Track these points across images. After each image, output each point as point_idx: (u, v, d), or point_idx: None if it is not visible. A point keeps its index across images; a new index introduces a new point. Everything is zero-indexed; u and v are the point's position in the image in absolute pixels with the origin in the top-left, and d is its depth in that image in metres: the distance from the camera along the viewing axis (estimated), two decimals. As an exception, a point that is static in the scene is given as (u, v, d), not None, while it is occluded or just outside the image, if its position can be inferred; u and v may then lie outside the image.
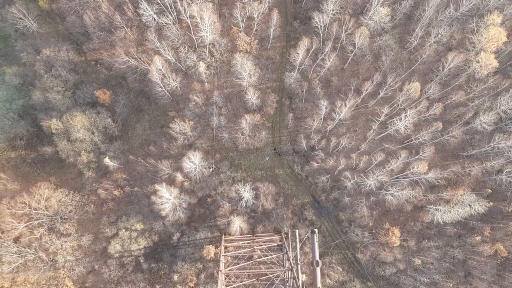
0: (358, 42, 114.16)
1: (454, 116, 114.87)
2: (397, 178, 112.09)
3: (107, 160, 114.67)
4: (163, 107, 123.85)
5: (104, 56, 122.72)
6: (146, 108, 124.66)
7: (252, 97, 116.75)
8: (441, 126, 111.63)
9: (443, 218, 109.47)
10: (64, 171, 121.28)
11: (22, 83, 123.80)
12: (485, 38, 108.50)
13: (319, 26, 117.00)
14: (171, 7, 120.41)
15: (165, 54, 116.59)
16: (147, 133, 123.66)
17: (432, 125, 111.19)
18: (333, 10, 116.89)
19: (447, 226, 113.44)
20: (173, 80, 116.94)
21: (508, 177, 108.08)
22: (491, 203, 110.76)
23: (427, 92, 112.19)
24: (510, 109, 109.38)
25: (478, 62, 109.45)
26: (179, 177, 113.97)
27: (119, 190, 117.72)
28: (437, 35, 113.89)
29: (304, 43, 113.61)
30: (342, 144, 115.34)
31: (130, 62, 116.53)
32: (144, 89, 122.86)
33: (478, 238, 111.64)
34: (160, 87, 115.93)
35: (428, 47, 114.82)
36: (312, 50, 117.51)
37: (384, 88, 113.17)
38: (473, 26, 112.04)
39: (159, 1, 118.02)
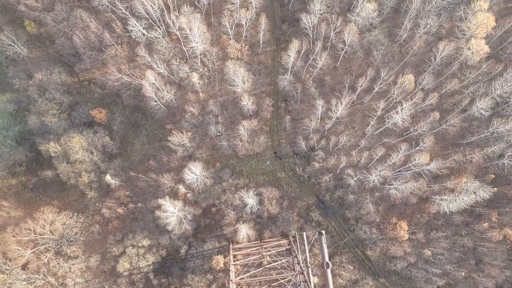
0: (348, 40, 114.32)
1: (451, 105, 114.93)
2: (399, 171, 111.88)
3: (108, 178, 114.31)
4: (159, 121, 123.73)
5: (96, 75, 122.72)
6: (143, 123, 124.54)
7: (247, 103, 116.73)
8: (438, 116, 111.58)
9: (449, 208, 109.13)
10: (66, 193, 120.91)
11: (17, 109, 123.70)
12: (474, 25, 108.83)
13: (307, 27, 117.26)
14: (159, 21, 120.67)
15: (157, 67, 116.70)
16: (146, 148, 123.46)
17: (430, 115, 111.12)
18: (320, 10, 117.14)
19: (454, 215, 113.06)
20: (168, 93, 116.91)
21: (510, 161, 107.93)
22: (496, 188, 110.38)
23: (421, 83, 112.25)
24: (505, 93, 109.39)
25: (469, 49, 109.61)
26: (181, 189, 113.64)
27: (123, 207, 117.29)
28: (426, 26, 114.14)
29: (294, 45, 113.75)
30: (341, 142, 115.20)
31: (123, 79, 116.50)
32: (140, 105, 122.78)
33: (486, 224, 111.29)
34: (155, 101, 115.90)
35: (418, 39, 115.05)
36: (303, 51, 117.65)
37: (378, 83, 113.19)
38: (461, 13, 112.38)
39: (147, 16, 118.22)
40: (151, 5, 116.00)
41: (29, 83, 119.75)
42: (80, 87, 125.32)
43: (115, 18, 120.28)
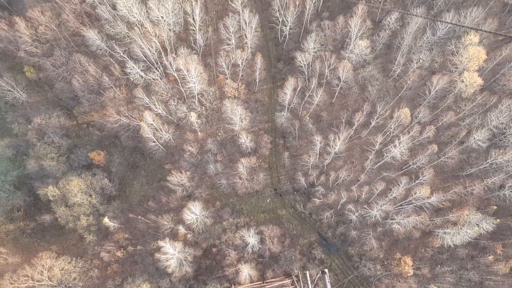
0: (342, 76, 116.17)
1: (448, 137, 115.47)
2: (401, 205, 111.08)
3: (106, 220, 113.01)
4: (158, 161, 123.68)
5: (95, 118, 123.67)
6: (141, 164, 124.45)
7: (245, 140, 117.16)
8: (436, 149, 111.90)
9: (453, 241, 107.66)
10: (65, 237, 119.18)
11: (16, 154, 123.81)
12: (466, 58, 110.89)
13: (302, 64, 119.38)
14: (157, 63, 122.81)
15: (156, 108, 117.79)
16: (145, 189, 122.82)
17: (428, 148, 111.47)
18: (314, 48, 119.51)
19: (458, 249, 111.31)
20: (166, 133, 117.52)
21: (511, 191, 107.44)
22: (498, 220, 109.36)
23: (418, 116, 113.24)
24: (501, 124, 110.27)
25: (462, 81, 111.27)
26: (181, 230, 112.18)
27: (122, 250, 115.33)
28: (419, 61, 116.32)
29: (290, 82, 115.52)
30: (341, 177, 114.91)
31: (122, 121, 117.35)
32: (138, 145, 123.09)
33: (491, 257, 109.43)
34: (153, 141, 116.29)
35: (412, 73, 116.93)
36: (299, 89, 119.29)
37: (375, 117, 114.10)
38: (452, 48, 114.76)
39: (145, 59, 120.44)
40: (148, 48, 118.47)
41: (28, 127, 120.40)
42: (78, 130, 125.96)
43: (113, 62, 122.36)
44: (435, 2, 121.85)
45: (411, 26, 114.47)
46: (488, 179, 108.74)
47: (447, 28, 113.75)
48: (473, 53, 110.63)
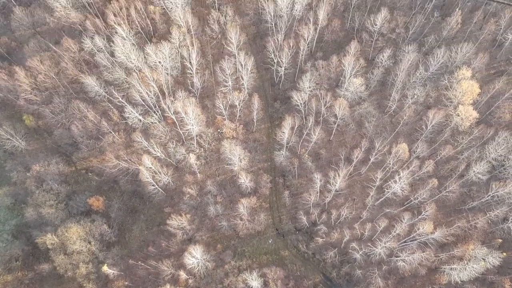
0: (339, 113, 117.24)
1: (448, 171, 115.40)
2: (405, 242, 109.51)
3: (105, 268, 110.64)
4: (158, 205, 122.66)
5: (94, 163, 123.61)
6: (141, 208, 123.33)
7: (245, 180, 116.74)
8: (436, 183, 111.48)
9: (460, 277, 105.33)
10: (64, 287, 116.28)
11: (14, 202, 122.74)
12: (460, 93, 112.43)
13: (299, 103, 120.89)
14: (155, 107, 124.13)
15: (154, 151, 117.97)
16: (144, 234, 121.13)
17: (428, 183, 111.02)
18: (309, 87, 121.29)
19: (465, 285, 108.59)
20: (165, 175, 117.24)
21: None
22: (505, 253, 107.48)
23: (416, 151, 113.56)
24: (500, 156, 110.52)
25: (458, 115, 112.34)
26: (182, 275, 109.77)
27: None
28: (413, 96, 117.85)
29: (287, 121, 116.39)
30: (343, 215, 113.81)
31: (121, 165, 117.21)
32: (137, 189, 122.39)
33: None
34: (153, 185, 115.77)
35: (407, 109, 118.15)
36: (296, 127, 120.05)
37: (373, 153, 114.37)
38: (446, 82, 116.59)
39: (143, 103, 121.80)
40: (147, 93, 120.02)
41: (27, 175, 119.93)
42: (77, 176, 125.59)
43: (112, 107, 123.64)
44: (425, 39, 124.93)
45: (404, 62, 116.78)
46: (491, 212, 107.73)
47: (439, 64, 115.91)
48: (466, 87, 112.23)
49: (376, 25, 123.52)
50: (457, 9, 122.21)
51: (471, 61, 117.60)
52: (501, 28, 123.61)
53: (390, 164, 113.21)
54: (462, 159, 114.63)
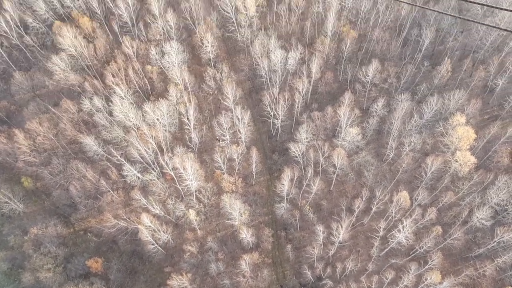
0: (337, 163, 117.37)
1: (451, 218, 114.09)
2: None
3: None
4: (158, 264, 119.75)
5: (92, 224, 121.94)
6: (140, 268, 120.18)
7: (246, 235, 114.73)
8: (441, 230, 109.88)
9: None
10: None
11: (11, 267, 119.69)
12: (456, 139, 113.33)
13: (297, 154, 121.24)
14: (153, 163, 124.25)
15: (153, 209, 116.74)
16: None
17: (432, 231, 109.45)
18: (306, 138, 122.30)
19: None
20: (164, 233, 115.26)
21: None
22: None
23: (417, 199, 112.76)
24: (502, 201, 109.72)
25: (456, 161, 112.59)
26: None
27: None
28: (410, 144, 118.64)
29: (286, 173, 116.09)
30: (348, 268, 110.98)
31: (120, 225, 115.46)
32: (137, 249, 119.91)
33: None
34: (152, 244, 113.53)
35: (405, 156, 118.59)
36: (295, 178, 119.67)
37: (375, 203, 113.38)
38: (441, 129, 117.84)
39: (142, 160, 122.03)
40: (145, 150, 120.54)
41: (24, 238, 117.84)
42: (75, 237, 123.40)
43: (110, 166, 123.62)
44: (417, 88, 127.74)
45: (398, 111, 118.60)
46: (498, 259, 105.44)
47: (433, 111, 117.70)
48: (462, 133, 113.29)
49: (368, 76, 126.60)
50: (446, 58, 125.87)
51: (464, 107, 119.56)
52: (490, 75, 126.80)
53: (392, 213, 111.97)
54: (464, 205, 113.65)
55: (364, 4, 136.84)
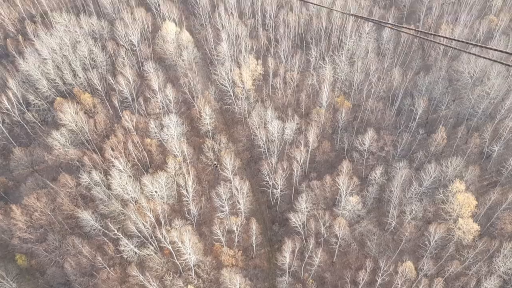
0: (339, 233, 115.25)
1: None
2: None
3: None
4: None
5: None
6: None
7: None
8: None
9: None
10: None
11: None
12: (457, 206, 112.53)
13: (297, 225, 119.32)
14: (151, 237, 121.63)
15: (150, 286, 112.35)
16: None
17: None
18: (306, 208, 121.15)
19: None
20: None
21: None
22: None
23: (423, 269, 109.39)
24: (509, 269, 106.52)
25: (459, 229, 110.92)
26: None
27: None
28: (412, 212, 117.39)
29: (287, 245, 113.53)
30: None
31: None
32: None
33: None
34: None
35: (408, 225, 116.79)
36: (297, 250, 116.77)
37: (380, 274, 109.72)
38: (441, 196, 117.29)
39: (139, 234, 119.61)
40: (143, 223, 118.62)
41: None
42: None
43: (107, 240, 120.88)
44: (415, 155, 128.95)
45: (397, 179, 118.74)
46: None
47: (432, 178, 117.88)
48: (463, 200, 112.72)
49: (364, 144, 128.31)
50: (440, 126, 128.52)
51: (463, 174, 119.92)
52: (486, 141, 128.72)
53: (398, 284, 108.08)
54: (471, 275, 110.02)
55: (357, 76, 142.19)
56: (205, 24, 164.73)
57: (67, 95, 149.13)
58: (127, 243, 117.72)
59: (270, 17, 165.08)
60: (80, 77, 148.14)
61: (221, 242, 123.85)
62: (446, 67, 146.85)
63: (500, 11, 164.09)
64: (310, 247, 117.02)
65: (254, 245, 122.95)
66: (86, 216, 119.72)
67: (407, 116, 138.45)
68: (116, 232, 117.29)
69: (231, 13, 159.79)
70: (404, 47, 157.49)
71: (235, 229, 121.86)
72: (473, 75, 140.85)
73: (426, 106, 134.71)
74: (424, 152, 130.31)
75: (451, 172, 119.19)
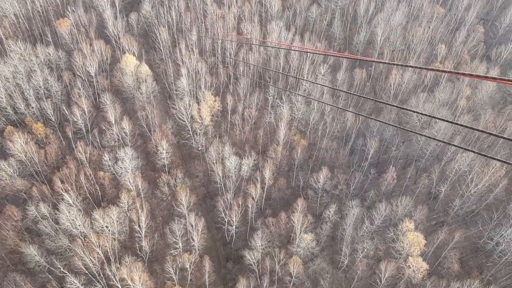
0: (294, 271, 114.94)
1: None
2: None
3: None
4: None
5: None
6: None
7: None
8: None
9: None
10: None
11: None
12: (407, 244, 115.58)
13: (252, 262, 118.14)
14: (99, 275, 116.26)
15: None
16: None
17: None
18: (261, 245, 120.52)
19: None
20: None
21: None
22: None
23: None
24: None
25: (409, 267, 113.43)
26: None
27: None
28: (363, 250, 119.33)
29: (241, 283, 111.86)
30: None
31: None
32: None
33: None
34: None
35: (359, 263, 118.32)
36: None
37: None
38: (392, 235, 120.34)
39: (87, 271, 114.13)
40: (91, 260, 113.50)
41: None
42: None
43: (52, 278, 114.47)
44: (366, 194, 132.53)
45: (349, 217, 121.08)
46: None
47: (382, 217, 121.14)
48: (412, 239, 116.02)
49: (319, 182, 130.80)
50: (390, 166, 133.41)
51: (412, 213, 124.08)
52: (433, 182, 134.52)
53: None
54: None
55: (313, 115, 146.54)
56: (165, 59, 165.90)
57: (18, 124, 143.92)
58: (73, 281, 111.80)
59: (230, 55, 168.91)
60: (33, 107, 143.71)
61: (173, 281, 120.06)
62: (396, 110, 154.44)
63: (445, 59, 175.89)
64: (264, 285, 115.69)
65: (207, 283, 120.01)
66: (31, 251, 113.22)
67: (360, 155, 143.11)
68: (62, 269, 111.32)
69: (192, 49, 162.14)
70: (357, 89, 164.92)
71: (187, 266, 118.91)
72: (421, 118, 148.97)
73: (378, 147, 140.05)
74: (376, 191, 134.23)
75: (400, 211, 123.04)
